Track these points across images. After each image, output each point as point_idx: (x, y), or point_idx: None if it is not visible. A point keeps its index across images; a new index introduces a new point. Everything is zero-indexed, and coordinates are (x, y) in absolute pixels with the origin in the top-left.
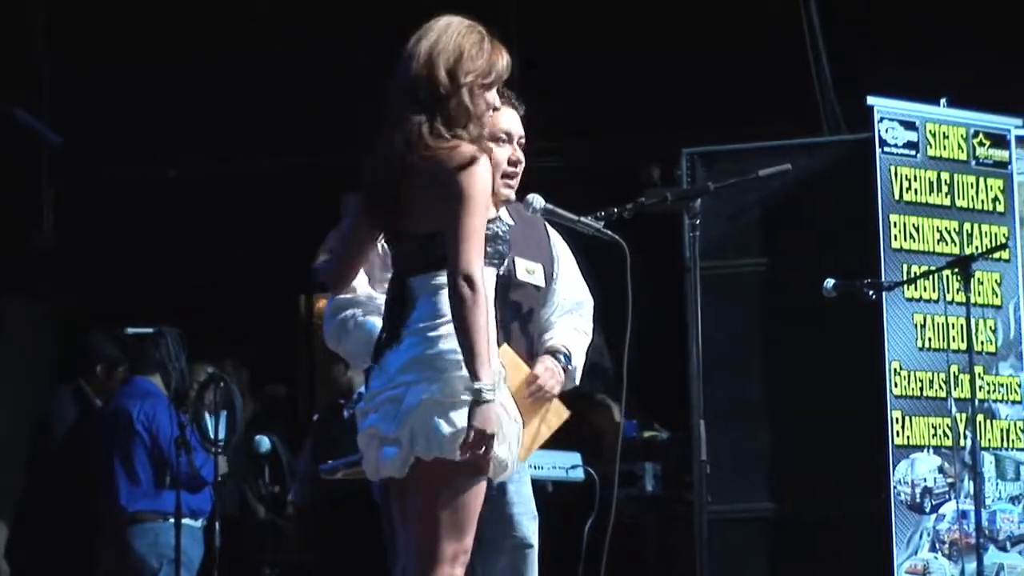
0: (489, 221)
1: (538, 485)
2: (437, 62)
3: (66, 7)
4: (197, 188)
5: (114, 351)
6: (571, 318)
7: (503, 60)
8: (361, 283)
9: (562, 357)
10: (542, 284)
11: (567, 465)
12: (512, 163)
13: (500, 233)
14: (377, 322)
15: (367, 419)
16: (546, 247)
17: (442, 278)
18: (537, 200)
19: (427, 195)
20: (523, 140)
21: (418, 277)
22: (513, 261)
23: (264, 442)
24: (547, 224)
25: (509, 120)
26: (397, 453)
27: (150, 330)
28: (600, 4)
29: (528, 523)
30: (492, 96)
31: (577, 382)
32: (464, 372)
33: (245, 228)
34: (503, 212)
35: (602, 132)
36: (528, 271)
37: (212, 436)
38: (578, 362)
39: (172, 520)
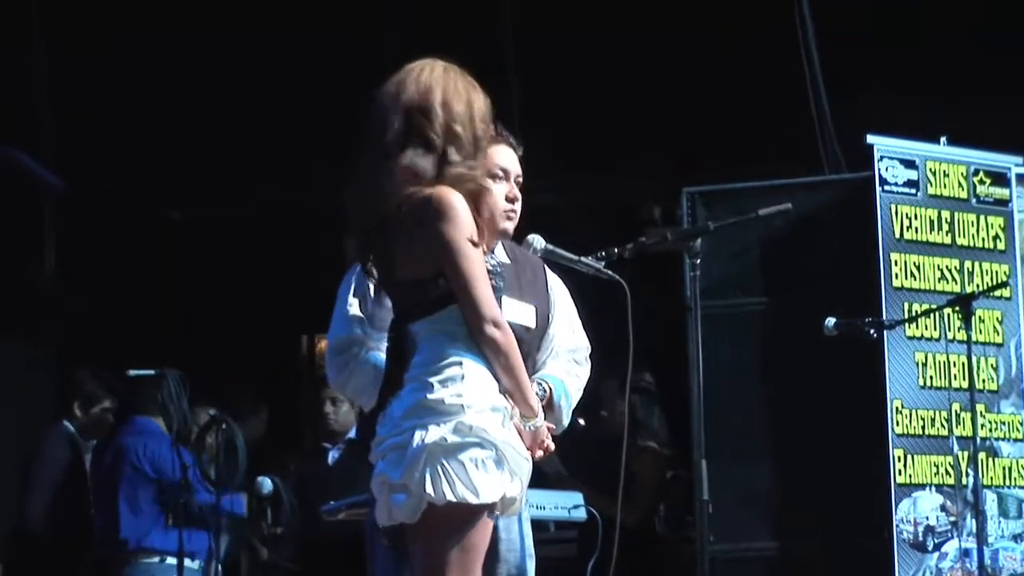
0: None
1: (540, 525)
2: (410, 109)
3: (68, 49)
4: (200, 230)
5: (95, 388)
6: (563, 362)
7: (482, 98)
8: (354, 322)
9: (538, 387)
10: (532, 325)
11: (569, 505)
12: (509, 199)
13: (491, 268)
14: (379, 356)
15: (377, 466)
16: (542, 289)
17: (441, 321)
18: (538, 240)
19: (414, 240)
20: (520, 178)
21: (418, 322)
22: (501, 300)
23: (266, 483)
24: (546, 267)
25: (506, 158)
26: (407, 499)
27: (151, 372)
28: (600, 41)
29: (519, 560)
30: (487, 130)
31: (564, 422)
32: (466, 415)
33: (247, 269)
34: (499, 250)
35: (602, 171)
36: (517, 311)
37: (214, 477)
38: (565, 402)
39: (169, 559)
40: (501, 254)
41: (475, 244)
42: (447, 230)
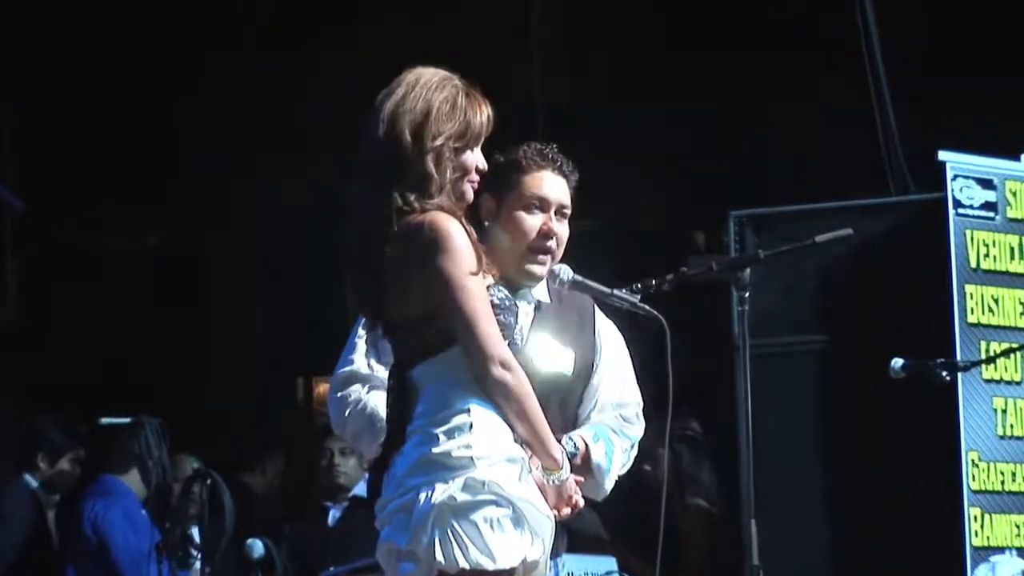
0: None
1: None
2: (401, 123)
3: (31, 63)
4: (181, 257)
5: (60, 437)
6: (609, 418)
7: (481, 115)
8: (359, 354)
9: (568, 442)
10: (568, 372)
11: (601, 571)
12: (543, 235)
13: (497, 302)
14: (377, 400)
15: (382, 532)
16: (588, 335)
17: (443, 364)
18: (565, 271)
19: (407, 275)
20: (566, 209)
21: (418, 367)
22: (531, 340)
23: (257, 546)
24: (597, 310)
25: (549, 186)
26: (415, 569)
27: (127, 420)
28: (633, 44)
29: None
30: (473, 158)
31: (607, 486)
32: (477, 469)
33: (237, 302)
34: (540, 288)
35: (640, 193)
36: (552, 356)
37: (197, 541)
38: (605, 462)
39: None
40: (542, 292)
41: (475, 274)
42: (443, 262)
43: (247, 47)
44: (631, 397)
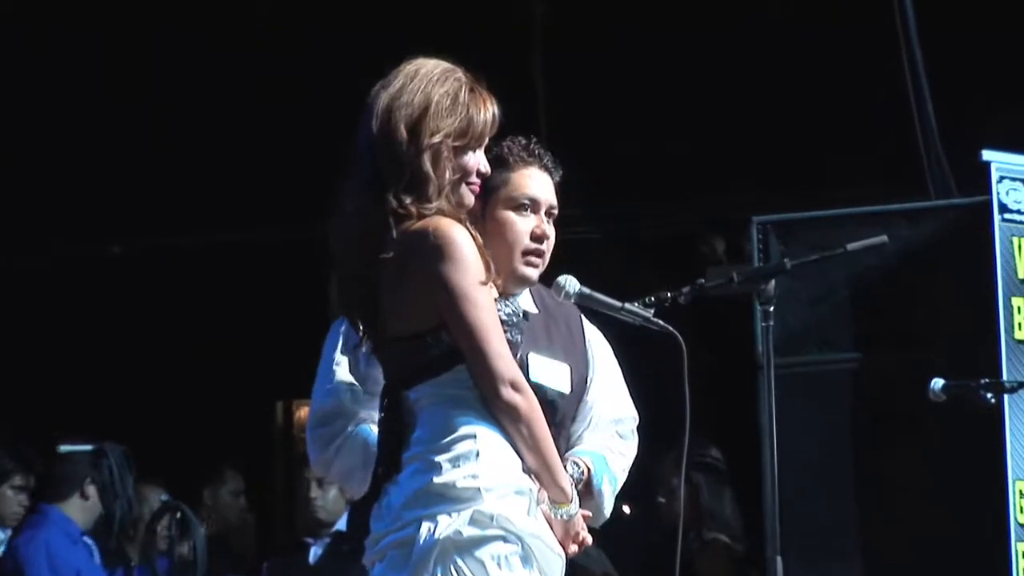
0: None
1: None
2: (397, 118)
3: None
4: (148, 268)
5: (4, 461)
6: (605, 436)
7: (485, 113)
8: (339, 382)
9: (573, 468)
10: (566, 390)
11: None
12: (536, 238)
13: (505, 318)
14: (371, 431)
15: (374, 570)
16: (579, 345)
17: (446, 385)
18: (571, 283)
19: (406, 289)
20: (555, 210)
21: (415, 387)
22: (527, 357)
23: None
24: (583, 318)
25: (537, 185)
26: None
27: (87, 447)
28: (647, 37)
29: None
30: (474, 159)
31: (607, 511)
32: (485, 501)
33: (208, 317)
34: (524, 297)
35: (651, 197)
36: (548, 372)
37: None
38: (608, 486)
39: None
40: (527, 302)
41: (483, 284)
42: (449, 272)
43: (247, 47)
44: (627, 411)
